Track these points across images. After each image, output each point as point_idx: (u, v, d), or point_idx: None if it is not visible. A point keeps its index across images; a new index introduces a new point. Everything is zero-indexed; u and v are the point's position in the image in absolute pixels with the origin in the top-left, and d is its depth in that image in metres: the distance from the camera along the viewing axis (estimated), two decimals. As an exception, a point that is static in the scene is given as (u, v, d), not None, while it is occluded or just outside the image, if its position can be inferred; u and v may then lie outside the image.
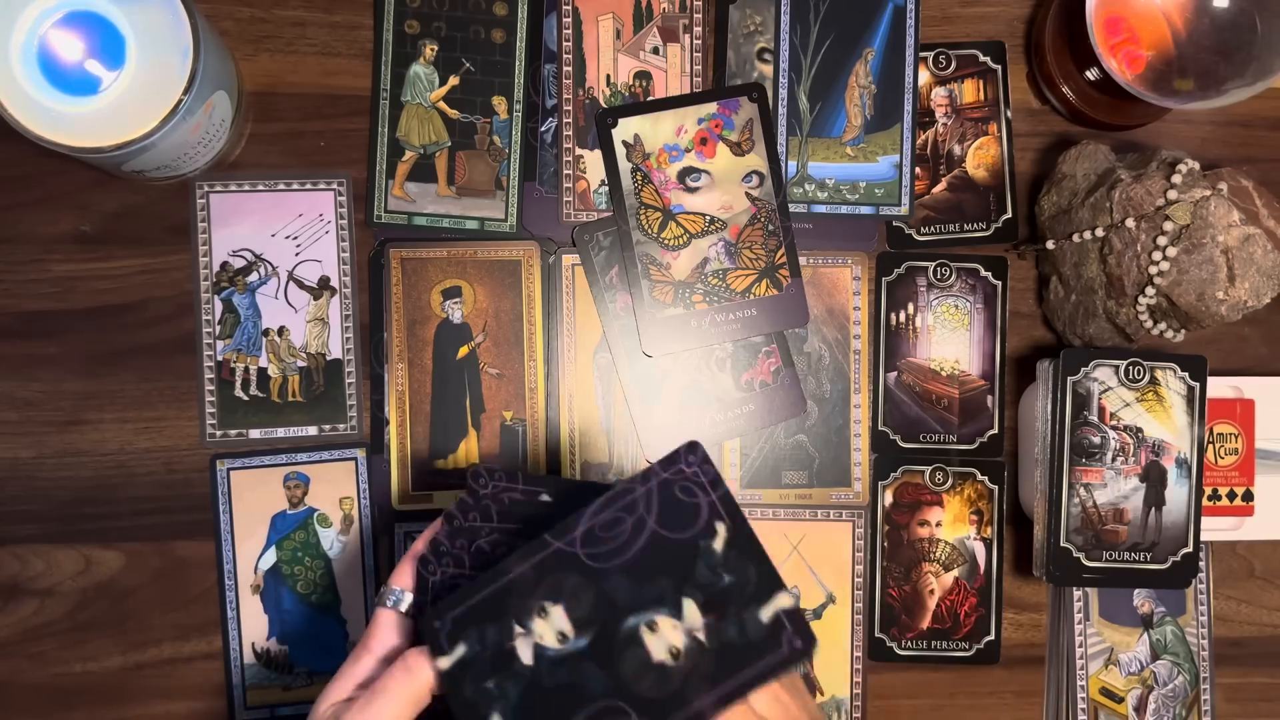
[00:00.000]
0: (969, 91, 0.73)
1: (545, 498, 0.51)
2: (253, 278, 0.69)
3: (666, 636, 0.43)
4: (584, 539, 0.44)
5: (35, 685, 0.68)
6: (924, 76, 0.73)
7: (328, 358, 0.70)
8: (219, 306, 0.69)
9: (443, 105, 0.70)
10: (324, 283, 0.70)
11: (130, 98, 0.59)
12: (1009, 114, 0.73)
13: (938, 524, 0.72)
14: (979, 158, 0.73)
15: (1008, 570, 0.72)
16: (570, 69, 0.71)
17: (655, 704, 0.42)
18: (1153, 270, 0.65)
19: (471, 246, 0.70)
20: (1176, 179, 0.64)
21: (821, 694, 0.71)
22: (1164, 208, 0.64)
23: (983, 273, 0.73)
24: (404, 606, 0.50)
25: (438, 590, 0.50)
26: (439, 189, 0.70)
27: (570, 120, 0.71)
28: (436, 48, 0.70)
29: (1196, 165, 0.65)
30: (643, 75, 0.71)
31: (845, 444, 0.72)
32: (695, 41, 0.72)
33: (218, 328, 0.69)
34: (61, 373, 0.69)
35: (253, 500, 0.69)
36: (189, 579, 0.69)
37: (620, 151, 0.70)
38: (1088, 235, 0.67)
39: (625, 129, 0.70)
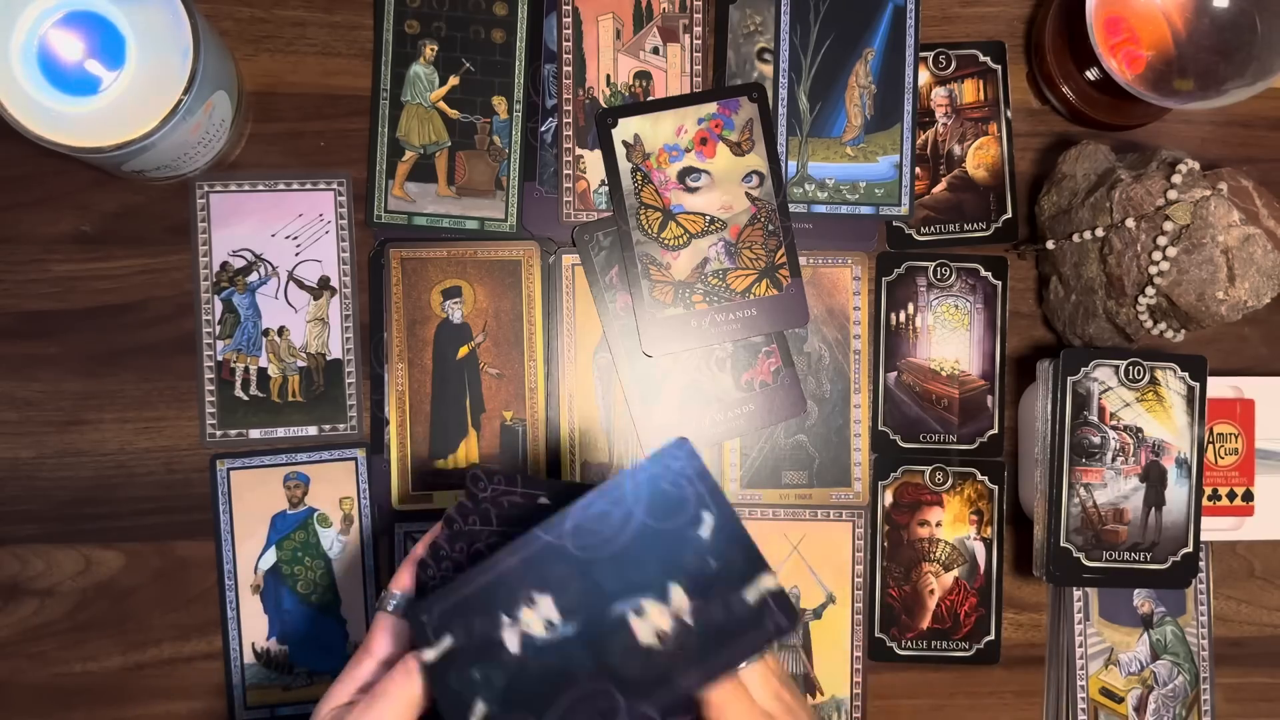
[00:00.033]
0: (969, 91, 0.73)
1: (544, 500, 0.51)
2: (253, 278, 0.69)
3: (653, 620, 0.43)
4: (573, 532, 0.45)
5: (35, 685, 0.68)
6: (924, 76, 0.73)
7: (328, 358, 0.70)
8: (219, 306, 0.69)
9: (443, 105, 0.70)
10: (324, 283, 0.70)
11: (130, 98, 0.59)
12: (1009, 114, 0.73)
13: (938, 524, 0.72)
14: (979, 158, 0.73)
15: (1008, 570, 0.72)
16: (570, 69, 0.71)
17: (641, 685, 0.42)
18: (1153, 270, 0.65)
19: (471, 246, 0.70)
20: (1176, 179, 0.64)
21: (821, 694, 0.71)
22: (1164, 208, 0.64)
23: (983, 273, 0.73)
24: (404, 611, 0.50)
25: None
26: (439, 189, 0.70)
27: (570, 120, 0.71)
28: (436, 48, 0.70)
29: (1196, 165, 0.65)
30: (643, 75, 0.71)
31: (845, 444, 0.72)
32: (695, 41, 0.72)
33: (218, 328, 0.69)
34: (61, 373, 0.69)
35: (253, 500, 0.69)
36: (189, 579, 0.69)
37: (620, 151, 0.70)
38: (1088, 235, 0.67)
39: (625, 129, 0.70)
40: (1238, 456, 0.71)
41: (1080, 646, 0.71)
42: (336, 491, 0.69)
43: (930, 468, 0.72)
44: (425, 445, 0.69)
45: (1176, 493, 0.66)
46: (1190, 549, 0.66)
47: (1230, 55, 0.65)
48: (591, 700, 0.42)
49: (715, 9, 0.72)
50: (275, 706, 0.69)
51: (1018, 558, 0.73)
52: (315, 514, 0.69)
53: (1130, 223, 0.65)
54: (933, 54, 0.73)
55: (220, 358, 0.69)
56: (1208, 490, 0.71)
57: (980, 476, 0.72)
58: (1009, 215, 0.73)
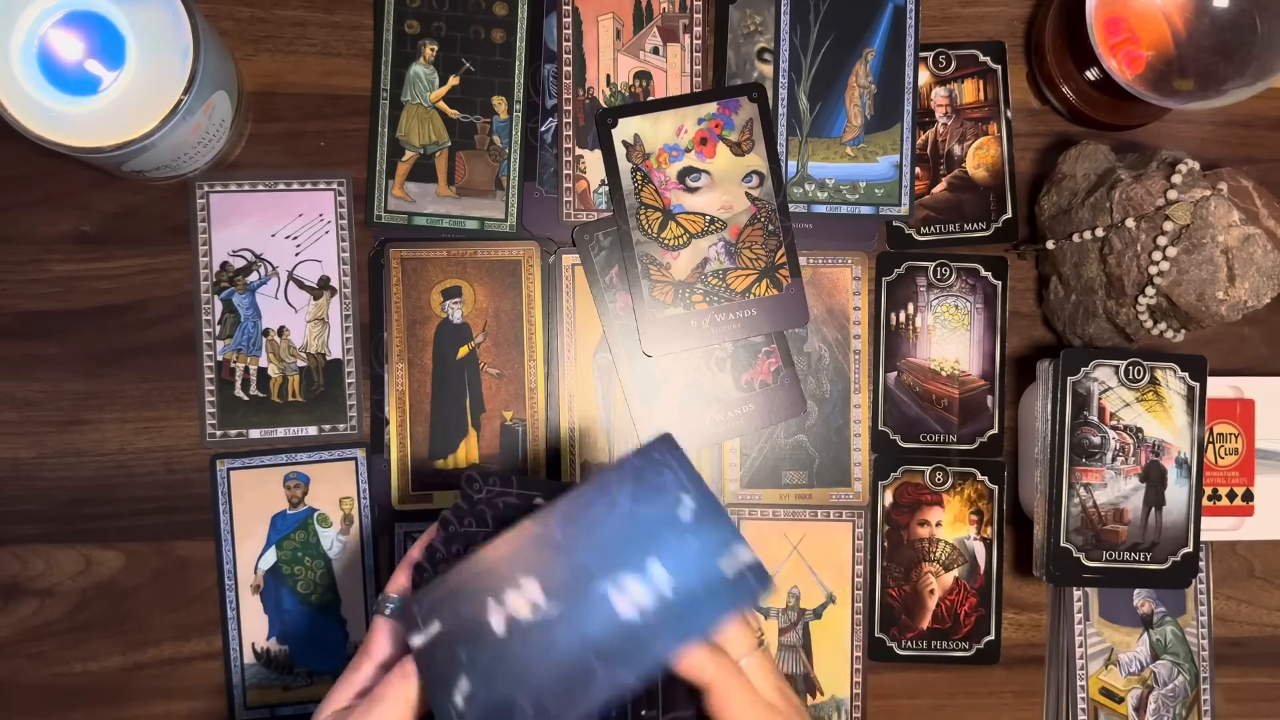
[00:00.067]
0: (969, 91, 0.73)
1: (539, 501, 0.51)
2: (253, 278, 0.69)
3: (633, 595, 0.44)
4: (560, 521, 0.46)
5: (35, 685, 0.68)
6: (924, 76, 0.73)
7: (328, 358, 0.70)
8: (219, 306, 0.69)
9: (443, 105, 0.70)
10: (324, 283, 0.70)
11: (130, 98, 0.59)
12: (1009, 114, 0.73)
13: (938, 524, 0.72)
14: (979, 158, 0.73)
15: (1008, 570, 0.72)
16: (570, 69, 0.71)
17: (620, 654, 0.43)
18: (1153, 270, 0.65)
19: (471, 246, 0.70)
20: (1176, 179, 0.64)
21: (821, 694, 0.71)
22: (1164, 208, 0.64)
23: (983, 273, 0.73)
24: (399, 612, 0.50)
25: None
26: (439, 189, 0.70)
27: (570, 120, 0.71)
28: (436, 48, 0.70)
29: (1196, 165, 0.65)
30: (643, 75, 0.71)
31: (845, 444, 0.72)
32: (695, 41, 0.72)
33: (218, 328, 0.69)
34: (61, 373, 0.69)
35: (253, 500, 0.69)
36: (189, 579, 0.69)
37: (620, 151, 0.70)
38: (1088, 235, 0.67)
39: (625, 129, 0.70)
40: (1238, 456, 0.71)
41: (1080, 646, 0.71)
42: (336, 491, 0.69)
43: (930, 468, 0.72)
44: (425, 445, 0.69)
45: (1176, 493, 0.66)
46: (1190, 549, 0.66)
47: (1230, 55, 0.65)
48: (571, 671, 0.43)
49: (715, 9, 0.72)
50: (275, 706, 0.69)
51: (1018, 558, 0.73)
52: (315, 514, 0.69)
53: (1130, 223, 0.65)
54: (933, 54, 0.73)
55: (220, 358, 0.69)
56: (1208, 490, 0.71)
57: (980, 476, 0.72)
58: (1009, 215, 0.73)
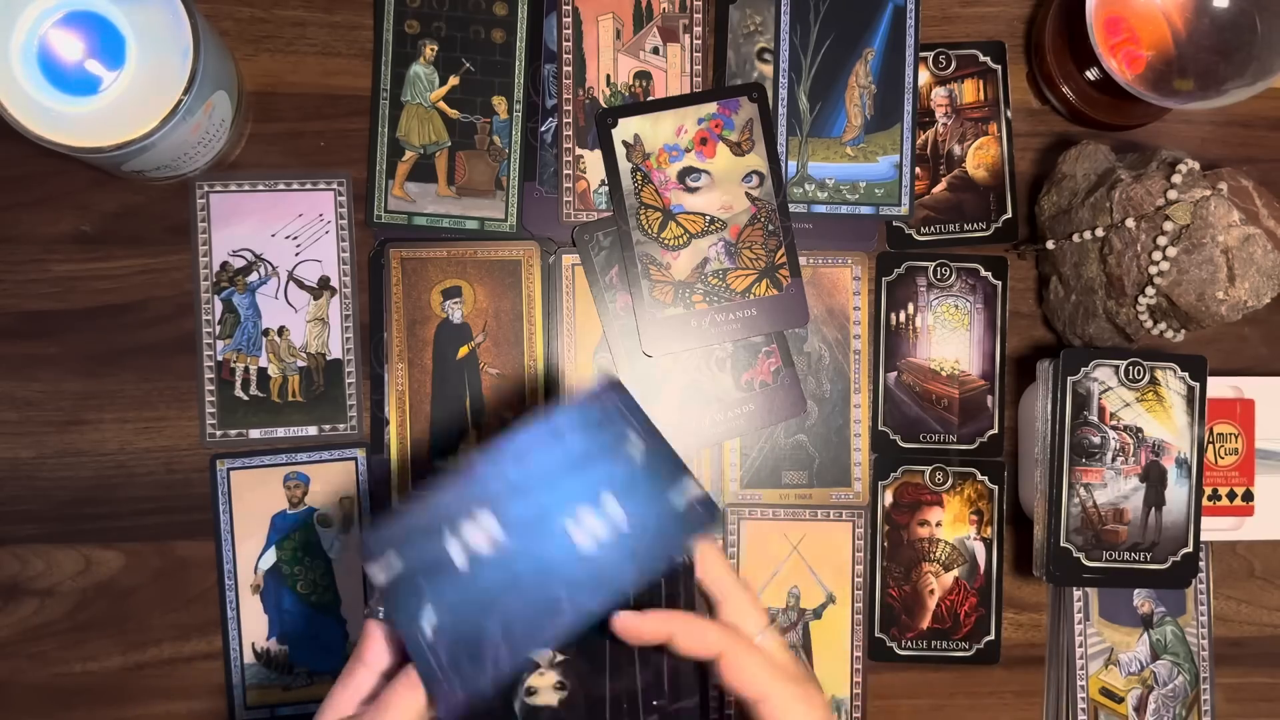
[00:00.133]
0: (969, 91, 0.73)
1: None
2: (253, 278, 0.69)
3: (590, 528, 0.46)
4: (510, 456, 0.47)
5: (35, 685, 0.68)
6: (924, 76, 0.73)
7: (328, 358, 0.70)
8: (219, 306, 0.69)
9: (443, 105, 0.70)
10: (324, 283, 0.70)
11: (130, 98, 0.59)
12: (1009, 114, 0.73)
13: (938, 524, 0.72)
14: (979, 158, 0.73)
15: (1008, 570, 0.72)
16: (570, 69, 0.71)
17: (584, 584, 0.45)
18: (1153, 270, 0.65)
19: (471, 246, 0.70)
20: (1176, 179, 0.64)
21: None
22: (1164, 208, 0.64)
23: (983, 273, 0.73)
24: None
25: None
26: (439, 189, 0.70)
27: (570, 120, 0.71)
28: (436, 48, 0.70)
29: (1196, 165, 0.65)
30: (643, 75, 0.71)
31: (845, 444, 0.72)
32: (695, 41, 0.72)
33: (218, 328, 0.69)
34: (61, 373, 0.69)
35: (253, 500, 0.69)
36: (189, 579, 0.69)
37: (620, 151, 0.70)
38: (1088, 235, 0.67)
39: (625, 129, 0.70)
40: (1238, 456, 0.71)
41: (1080, 646, 0.71)
42: (336, 491, 0.69)
43: (930, 468, 0.72)
44: (425, 445, 0.69)
45: (1176, 493, 0.66)
46: (1190, 549, 0.66)
47: (1230, 55, 0.65)
48: (537, 599, 0.45)
49: (715, 9, 0.72)
50: (275, 706, 0.69)
51: (1018, 558, 0.73)
52: (315, 514, 0.69)
53: (1130, 223, 0.65)
54: (933, 54, 0.73)
55: (220, 358, 0.69)
56: (1208, 490, 0.71)
57: (980, 476, 0.72)
58: (1009, 215, 0.73)
